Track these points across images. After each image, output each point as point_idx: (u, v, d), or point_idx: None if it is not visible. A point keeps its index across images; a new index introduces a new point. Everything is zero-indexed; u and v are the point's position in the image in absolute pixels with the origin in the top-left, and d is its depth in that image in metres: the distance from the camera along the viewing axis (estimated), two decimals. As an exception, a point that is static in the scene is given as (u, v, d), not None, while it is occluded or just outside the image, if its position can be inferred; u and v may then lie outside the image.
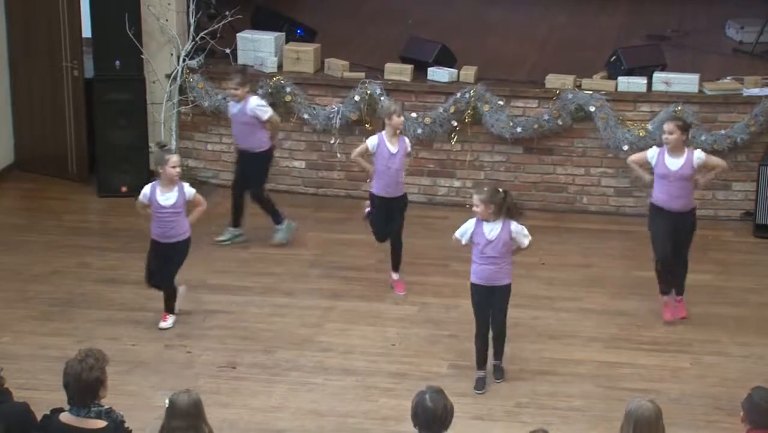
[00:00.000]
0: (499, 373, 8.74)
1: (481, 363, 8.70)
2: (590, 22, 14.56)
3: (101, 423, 5.99)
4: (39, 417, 6.24)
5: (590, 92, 11.57)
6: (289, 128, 12.07)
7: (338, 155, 12.02)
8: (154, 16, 11.96)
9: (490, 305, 8.60)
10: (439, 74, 11.90)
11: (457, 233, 8.61)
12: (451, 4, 15.07)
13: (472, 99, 11.64)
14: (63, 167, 12.21)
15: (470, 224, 8.53)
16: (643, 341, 9.34)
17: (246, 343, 9.27)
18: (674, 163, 9.24)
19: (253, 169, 10.72)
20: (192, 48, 12.08)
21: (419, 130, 11.75)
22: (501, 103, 11.65)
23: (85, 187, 12.14)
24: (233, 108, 10.70)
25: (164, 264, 9.27)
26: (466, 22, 14.33)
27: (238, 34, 12.38)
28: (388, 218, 9.90)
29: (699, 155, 9.30)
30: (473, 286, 8.60)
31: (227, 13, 12.26)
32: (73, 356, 6.01)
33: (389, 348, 9.20)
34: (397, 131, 9.76)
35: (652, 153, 9.39)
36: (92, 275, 10.34)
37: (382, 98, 11.72)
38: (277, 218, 10.90)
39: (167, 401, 5.87)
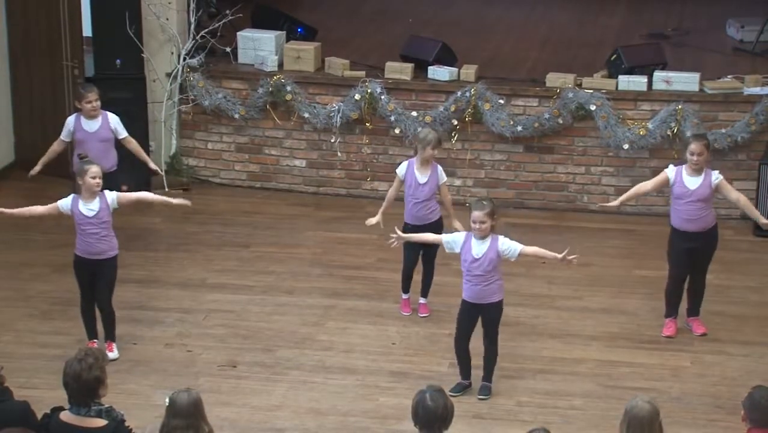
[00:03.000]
0: (485, 391, 8.52)
1: (466, 374, 8.59)
2: (591, 20, 14.56)
3: (101, 422, 5.99)
4: (39, 416, 6.24)
5: (591, 91, 11.57)
6: (290, 127, 12.08)
7: (339, 154, 12.02)
8: (155, 15, 11.96)
9: (478, 321, 8.44)
10: (439, 73, 11.89)
11: (444, 238, 8.47)
12: (452, 3, 15.07)
13: (473, 98, 11.64)
14: (64, 166, 12.18)
15: (459, 238, 8.38)
16: (644, 339, 9.33)
17: (246, 342, 9.27)
18: (693, 183, 9.06)
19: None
20: (192, 47, 12.08)
21: (419, 129, 11.73)
22: (501, 101, 11.65)
23: (86, 186, 12.14)
24: (89, 125, 10.12)
25: (96, 286, 8.85)
26: (467, 20, 14.33)
27: (238, 33, 12.38)
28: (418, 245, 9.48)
29: (717, 176, 9.06)
30: (462, 302, 8.46)
31: (228, 11, 12.27)
32: (73, 355, 6.01)
33: (389, 347, 9.20)
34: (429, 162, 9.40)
35: (671, 173, 9.13)
36: (93, 274, 10.34)
37: (382, 97, 11.73)
38: None
39: (167, 400, 5.88)
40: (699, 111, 11.44)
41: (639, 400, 5.91)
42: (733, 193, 9.20)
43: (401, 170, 9.53)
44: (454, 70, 11.94)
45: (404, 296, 9.74)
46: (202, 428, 5.82)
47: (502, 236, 8.33)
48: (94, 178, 8.67)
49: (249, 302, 9.87)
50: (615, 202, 9.41)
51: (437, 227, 9.39)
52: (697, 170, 9.04)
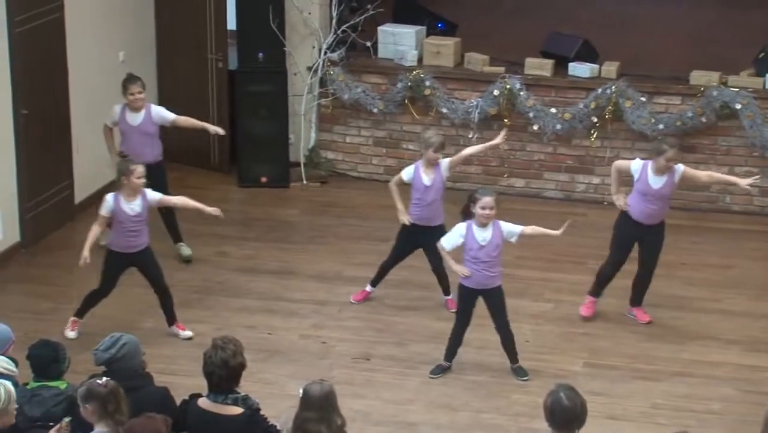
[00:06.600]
0: (522, 372, 8.65)
1: (450, 356, 8.71)
2: (739, 17, 14.21)
3: (238, 410, 6.09)
4: (178, 401, 6.37)
5: (736, 89, 11.32)
6: (428, 122, 12.09)
7: (476, 150, 11.98)
8: (298, 9, 12.10)
9: (491, 309, 8.60)
10: (580, 69, 11.77)
11: (446, 244, 8.53)
12: (595, -1, 14.91)
13: (614, 95, 11.49)
14: (206, 157, 12.43)
15: (461, 230, 8.44)
16: (786, 345, 9.12)
17: (380, 335, 9.32)
18: (657, 181, 9.02)
19: (158, 180, 9.68)
20: (333, 41, 12.18)
21: (558, 126, 11.66)
22: (643, 99, 11.48)
23: (227, 177, 12.35)
24: (132, 118, 10.09)
25: (148, 274, 9.09)
26: (610, 16, 14.14)
27: (379, 28, 12.44)
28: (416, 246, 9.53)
29: (679, 169, 9.07)
30: (463, 289, 8.55)
31: (369, 6, 12.33)
32: (210, 347, 6.12)
33: (523, 344, 9.12)
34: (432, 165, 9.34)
35: (636, 166, 9.13)
36: (230, 264, 10.52)
37: (521, 93, 11.65)
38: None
39: (301, 391, 5.94)
40: None
41: (779, 407, 5.77)
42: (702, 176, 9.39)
43: (407, 174, 9.43)
44: (595, 66, 11.80)
45: (369, 288, 9.77)
46: (333, 420, 5.86)
47: (501, 221, 8.48)
48: (139, 178, 8.81)
49: (384, 296, 9.92)
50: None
51: (441, 231, 9.16)
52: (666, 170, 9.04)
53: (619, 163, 9.44)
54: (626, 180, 9.35)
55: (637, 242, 9.30)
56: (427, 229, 9.37)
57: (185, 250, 10.49)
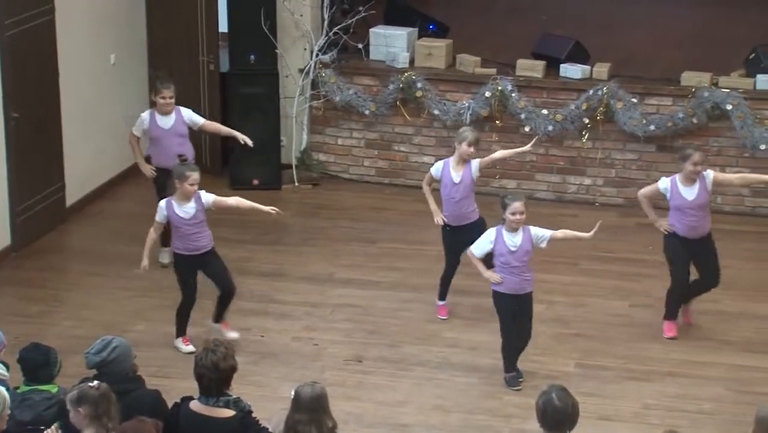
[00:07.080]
0: (517, 373, 8.66)
1: (512, 367, 8.65)
2: (730, 18, 14.22)
3: (229, 412, 6.08)
4: (170, 404, 6.36)
5: (727, 90, 11.33)
6: (420, 124, 12.09)
7: (468, 151, 11.98)
8: (289, 11, 12.10)
9: (519, 314, 8.56)
10: (571, 71, 11.78)
11: (476, 251, 8.50)
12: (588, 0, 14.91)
13: (605, 96, 11.50)
14: (198, 160, 12.39)
15: (490, 236, 8.43)
16: (779, 345, 9.13)
17: (372, 337, 9.31)
18: (690, 192, 8.95)
19: None
20: (325, 43, 12.19)
21: (550, 127, 11.67)
22: (634, 100, 11.49)
23: (219, 179, 12.31)
24: (164, 121, 10.03)
25: (216, 274, 8.97)
26: (601, 17, 14.16)
27: (370, 30, 12.45)
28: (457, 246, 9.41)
29: (708, 175, 9.01)
30: (500, 295, 8.50)
31: (361, 8, 12.33)
32: (201, 349, 6.10)
33: (516, 346, 9.15)
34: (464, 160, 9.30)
35: (664, 184, 9.05)
36: (224, 266, 10.50)
37: (513, 95, 11.66)
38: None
39: (293, 393, 5.93)
40: (840, 111, 11.13)
41: (770, 405, 5.79)
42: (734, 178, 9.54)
43: (436, 169, 9.41)
44: (587, 68, 11.82)
45: (440, 303, 9.63)
46: (324, 423, 5.85)
47: (531, 226, 8.43)
48: (193, 185, 8.72)
49: (375, 298, 9.92)
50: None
51: (480, 226, 9.14)
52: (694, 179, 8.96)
53: (644, 190, 9.28)
54: (659, 203, 9.28)
55: (692, 261, 9.17)
56: (462, 228, 9.27)
57: (165, 258, 10.35)
